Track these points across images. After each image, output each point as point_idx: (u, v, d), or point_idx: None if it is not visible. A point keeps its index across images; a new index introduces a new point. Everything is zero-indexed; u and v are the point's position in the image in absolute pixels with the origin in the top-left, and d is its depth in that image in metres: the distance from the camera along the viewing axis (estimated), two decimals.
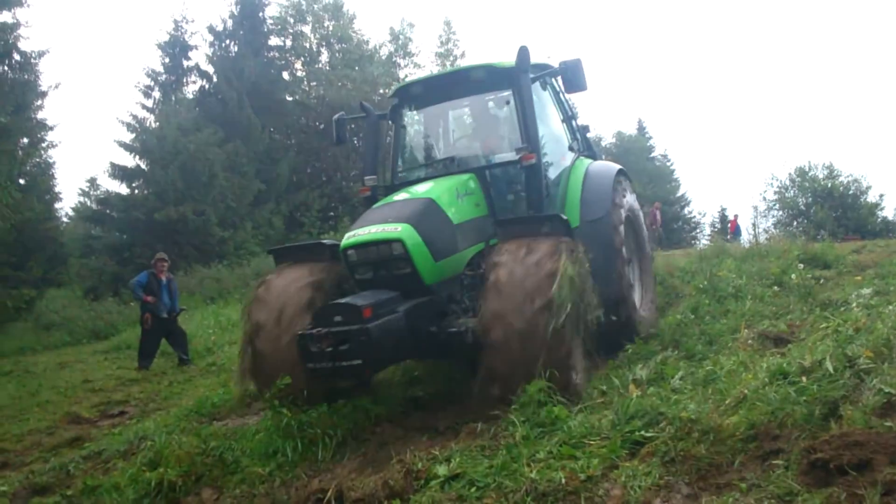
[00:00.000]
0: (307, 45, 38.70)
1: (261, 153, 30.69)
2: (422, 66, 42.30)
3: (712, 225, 48.41)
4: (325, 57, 39.39)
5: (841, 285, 8.67)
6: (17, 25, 18.51)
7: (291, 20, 38.50)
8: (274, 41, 36.53)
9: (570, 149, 7.96)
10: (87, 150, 79.97)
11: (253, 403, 7.39)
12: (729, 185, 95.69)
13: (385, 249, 5.72)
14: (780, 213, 33.94)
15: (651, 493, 3.53)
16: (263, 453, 5.14)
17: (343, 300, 5.42)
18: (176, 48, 31.83)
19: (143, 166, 26.79)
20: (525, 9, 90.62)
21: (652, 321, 7.92)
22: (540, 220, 6.06)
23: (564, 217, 6.09)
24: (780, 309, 7.75)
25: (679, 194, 53.98)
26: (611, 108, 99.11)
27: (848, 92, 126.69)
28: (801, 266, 9.74)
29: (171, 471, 4.85)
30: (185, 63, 32.24)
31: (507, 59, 7.12)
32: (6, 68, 18.52)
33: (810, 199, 32.86)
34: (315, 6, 39.20)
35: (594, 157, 8.46)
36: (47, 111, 37.69)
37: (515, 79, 6.91)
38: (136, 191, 26.80)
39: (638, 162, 50.13)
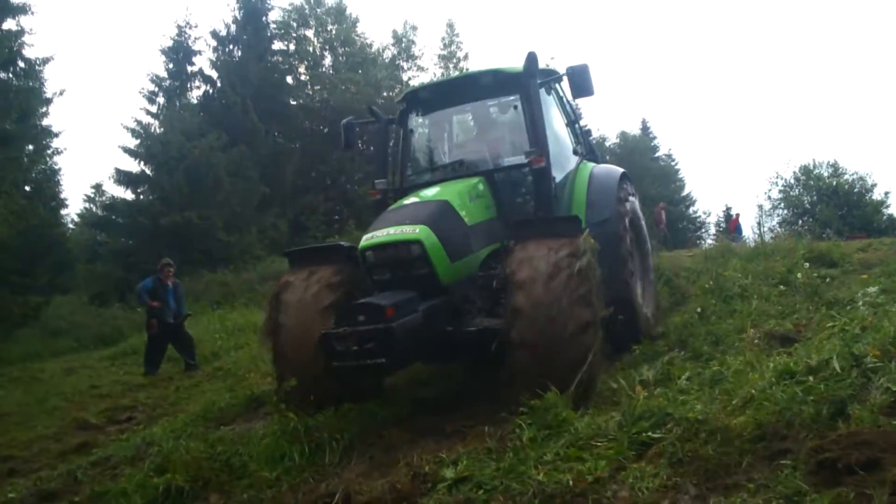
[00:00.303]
0: (311, 49, 38.79)
1: (265, 157, 30.76)
2: (425, 68, 42.42)
3: (717, 224, 48.40)
4: (328, 61, 39.49)
5: (847, 284, 8.63)
6: (21, 32, 18.59)
7: (295, 24, 38.60)
8: (277, 45, 36.68)
9: (575, 152, 8.10)
10: (92, 157, 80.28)
11: (259, 408, 7.41)
12: (734, 184, 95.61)
13: (404, 250, 5.83)
14: (786, 211, 33.91)
15: (659, 495, 3.52)
16: (271, 458, 5.13)
17: (366, 300, 5.53)
18: (180, 53, 31.96)
19: (148, 172, 26.86)
20: (528, 10, 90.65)
21: (654, 321, 8.03)
22: (558, 221, 6.22)
23: (580, 219, 6.17)
24: (786, 308, 7.72)
25: (684, 194, 53.89)
26: (614, 109, 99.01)
27: (852, 90, 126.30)
28: (807, 265, 9.68)
29: (178, 476, 4.86)
30: (189, 68, 32.39)
31: (514, 64, 7.22)
32: (11, 76, 18.57)
33: (815, 197, 32.81)
34: (318, 10, 39.30)
35: (596, 160, 8.57)
36: (52, 118, 37.75)
37: (524, 84, 7.02)
38: (142, 196, 26.91)
39: (642, 162, 50.03)
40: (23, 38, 18.67)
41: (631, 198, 8.12)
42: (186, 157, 25.53)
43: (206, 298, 20.12)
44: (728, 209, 47.22)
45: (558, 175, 7.35)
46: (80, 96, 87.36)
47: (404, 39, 42.05)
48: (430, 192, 6.66)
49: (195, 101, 31.93)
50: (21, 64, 18.96)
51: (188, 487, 4.82)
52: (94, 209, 29.94)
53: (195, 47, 32.52)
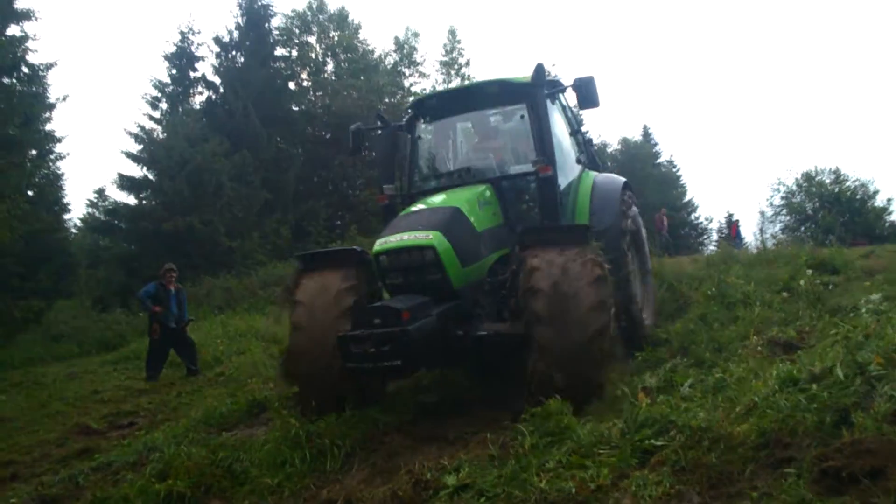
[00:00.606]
0: (313, 55, 38.88)
1: (267, 163, 30.80)
2: (427, 75, 42.51)
3: (719, 231, 48.34)
4: (330, 67, 39.57)
5: (850, 291, 8.60)
6: (25, 38, 18.66)
7: (297, 30, 38.72)
8: (280, 52, 36.73)
9: (578, 161, 8.29)
10: (95, 162, 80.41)
11: (261, 413, 7.40)
12: (736, 190, 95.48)
13: (417, 255, 5.96)
14: (788, 218, 33.84)
15: (662, 503, 3.51)
16: (272, 464, 5.13)
17: (381, 303, 5.73)
18: (183, 59, 32.03)
19: (150, 177, 26.90)
20: (530, 17, 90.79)
21: (654, 326, 8.20)
22: (569, 229, 6.43)
23: (589, 228, 6.39)
24: (789, 315, 7.70)
25: (686, 200, 53.83)
26: (616, 115, 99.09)
27: (854, 96, 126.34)
28: (810, 272, 9.67)
29: (179, 482, 4.86)
30: (192, 74, 32.46)
31: (517, 72, 7.44)
32: (14, 81, 18.63)
33: (817, 204, 32.73)
34: (320, 16, 39.41)
35: (598, 168, 8.81)
36: (56, 123, 37.85)
37: (531, 94, 7.21)
38: (144, 201, 26.92)
39: (644, 168, 50.00)
40: (27, 44, 18.77)
41: (632, 207, 8.27)
42: (189, 163, 25.56)
43: (208, 304, 20.14)
44: (730, 215, 47.17)
45: (562, 183, 7.48)
46: (83, 101, 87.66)
47: (406, 46, 42.16)
48: (441, 199, 6.81)
49: (198, 107, 32.00)
50: (25, 69, 19.03)
51: (189, 493, 4.81)
52: (96, 214, 29.99)
53: (198, 53, 32.64)
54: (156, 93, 31.26)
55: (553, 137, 7.31)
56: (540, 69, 7.18)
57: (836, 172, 33.66)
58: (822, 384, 4.06)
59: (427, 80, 42.51)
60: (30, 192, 19.55)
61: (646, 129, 57.44)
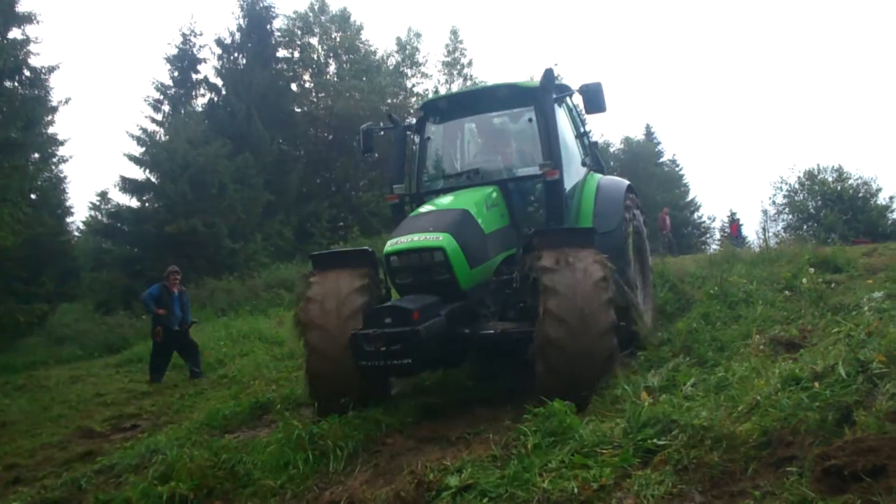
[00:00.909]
0: (315, 57, 38.93)
1: (270, 165, 30.86)
2: (429, 75, 42.53)
3: (722, 230, 48.25)
4: (332, 68, 39.61)
5: (852, 289, 8.58)
6: (27, 41, 18.69)
7: (299, 32, 38.75)
8: (282, 53, 36.87)
9: (583, 164, 8.43)
10: (97, 165, 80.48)
11: (264, 415, 7.41)
12: (738, 189, 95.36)
13: (427, 256, 6.12)
14: (790, 216, 33.76)
15: (664, 502, 3.51)
16: (275, 466, 5.12)
17: (392, 303, 5.87)
18: (185, 61, 32.14)
19: (153, 179, 26.94)
20: (532, 17, 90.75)
21: (654, 326, 8.26)
22: (577, 232, 6.58)
23: (595, 231, 6.59)
24: (791, 314, 7.69)
25: (688, 199, 53.78)
26: (619, 114, 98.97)
27: (857, 94, 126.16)
28: (812, 270, 9.65)
29: (182, 484, 4.86)
30: (194, 76, 32.61)
31: (524, 75, 7.75)
32: (17, 84, 18.66)
33: (820, 202, 32.65)
34: (322, 18, 39.44)
35: (602, 171, 8.93)
36: (58, 126, 37.86)
37: (539, 98, 7.37)
38: (147, 204, 26.96)
39: (647, 167, 50.02)
40: (28, 47, 18.80)
41: (635, 209, 8.40)
42: (191, 165, 25.60)
43: (211, 306, 20.18)
44: (732, 214, 47.11)
45: (567, 185, 7.62)
46: (85, 104, 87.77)
47: (408, 46, 42.17)
48: (450, 201, 6.94)
49: (200, 109, 32.12)
50: (27, 73, 19.06)
51: (192, 496, 4.81)
52: (99, 217, 30.02)
53: (200, 55, 32.80)
54: (158, 95, 31.43)
55: (560, 140, 7.43)
56: (549, 74, 7.36)
57: (839, 170, 33.58)
58: (824, 383, 4.04)
59: (429, 80, 42.58)
60: (32, 196, 19.58)
61: (648, 128, 57.49)
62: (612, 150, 50.05)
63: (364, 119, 34.92)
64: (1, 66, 16.76)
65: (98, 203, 30.17)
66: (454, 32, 43.51)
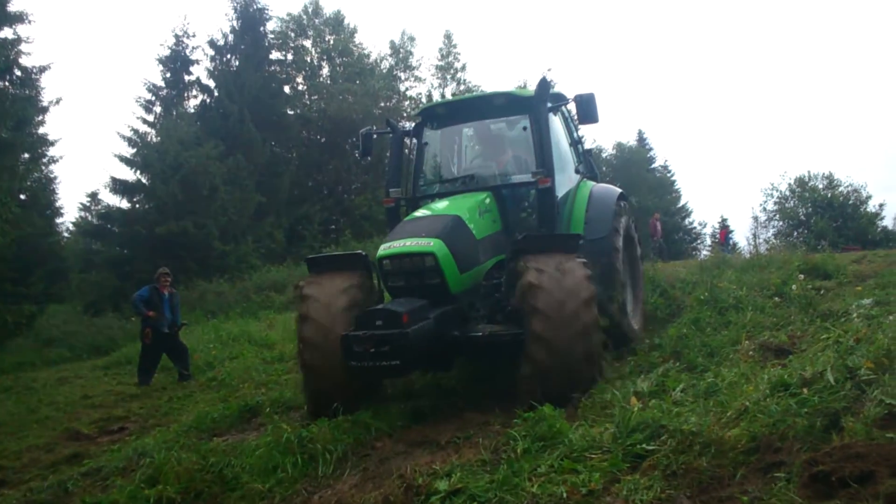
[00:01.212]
0: (308, 59, 38.94)
1: (262, 167, 30.80)
2: (423, 79, 42.61)
3: (713, 235, 48.46)
4: (326, 71, 39.64)
5: (841, 296, 8.64)
6: (18, 41, 18.62)
7: (292, 34, 38.78)
8: (275, 55, 36.80)
9: (577, 171, 8.61)
10: (87, 165, 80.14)
11: (253, 419, 7.37)
12: (729, 195, 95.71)
13: (418, 261, 6.30)
14: (781, 223, 33.99)
15: None
16: (263, 469, 5.10)
17: (383, 306, 6.03)
18: (177, 63, 32.04)
19: (144, 181, 26.83)
20: (525, 21, 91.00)
21: (641, 331, 8.50)
22: (563, 238, 6.76)
23: (581, 237, 6.83)
24: (780, 320, 7.73)
25: (680, 205, 53.96)
26: (611, 119, 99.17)
27: (848, 101, 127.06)
28: (802, 276, 9.71)
29: (170, 488, 4.83)
30: (187, 77, 32.48)
31: (521, 84, 7.90)
32: (7, 84, 18.60)
33: (810, 209, 32.89)
34: (316, 20, 39.47)
35: (596, 178, 9.10)
36: (48, 126, 37.68)
37: (534, 107, 7.54)
38: (137, 205, 26.84)
39: (639, 173, 50.23)
40: (20, 47, 18.74)
41: (626, 217, 8.56)
42: (183, 166, 25.51)
43: (201, 308, 20.09)
44: (723, 220, 47.34)
45: (560, 192, 7.82)
46: (76, 104, 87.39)
47: (402, 50, 42.26)
48: (443, 206, 7.11)
49: (192, 111, 32.01)
50: (17, 72, 19.00)
51: (180, 499, 4.79)
52: (89, 218, 29.91)
53: (192, 56, 32.69)
54: (149, 96, 31.30)
55: (553, 148, 7.63)
56: (543, 84, 7.55)
57: (829, 177, 33.89)
58: (812, 389, 4.06)
59: (423, 84, 42.65)
60: (22, 196, 19.49)
61: (641, 133, 57.67)
62: (604, 155, 50.20)
63: (357, 122, 35.02)
64: None
65: (88, 204, 30.15)
66: (448, 36, 43.70)
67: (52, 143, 21.82)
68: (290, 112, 36.15)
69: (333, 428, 5.64)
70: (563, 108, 8.57)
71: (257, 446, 5.50)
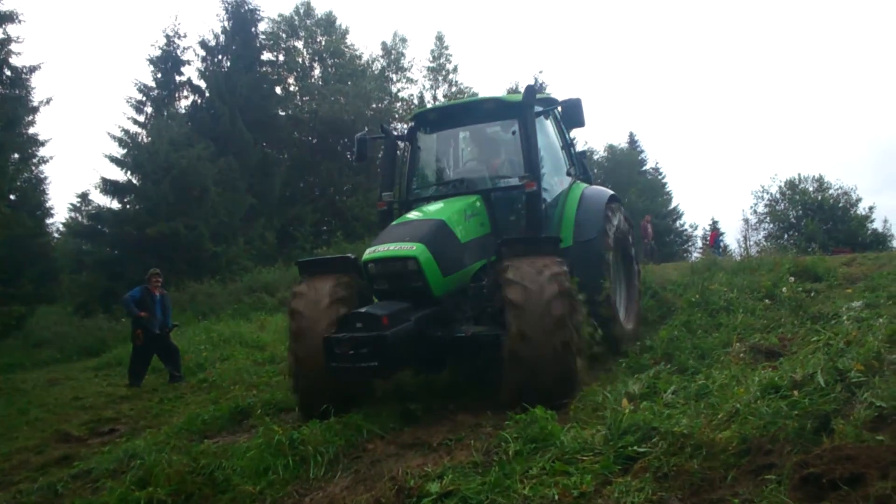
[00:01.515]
0: (300, 60, 38.88)
1: (253, 168, 30.73)
2: (414, 80, 42.60)
3: (704, 238, 48.67)
4: (317, 72, 39.60)
5: (832, 298, 8.69)
6: (8, 41, 18.53)
7: (284, 35, 38.69)
8: (266, 56, 36.72)
9: (568, 173, 8.74)
10: (78, 166, 79.69)
11: (244, 420, 7.35)
12: (720, 198, 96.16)
13: (401, 265, 6.48)
14: (771, 225, 34.16)
15: None
16: (254, 471, 5.08)
17: (363, 309, 6.14)
18: (168, 63, 31.89)
19: (134, 181, 26.69)
20: (517, 23, 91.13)
21: (635, 334, 8.50)
22: (541, 241, 6.83)
23: (560, 239, 7.00)
24: (771, 322, 7.77)
25: (671, 207, 54.09)
26: (602, 122, 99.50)
27: (838, 104, 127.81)
28: (792, 279, 9.75)
29: (160, 490, 4.79)
30: (178, 78, 32.31)
31: (512, 85, 8.03)
32: None
33: (801, 211, 33.08)
34: (308, 21, 39.40)
35: (590, 180, 9.26)
36: (39, 126, 37.47)
37: (521, 113, 7.69)
38: (128, 206, 26.69)
39: (630, 175, 50.28)
40: (10, 47, 18.64)
41: (617, 219, 8.65)
42: (174, 167, 25.40)
43: (192, 309, 20.01)
44: (714, 223, 47.55)
45: (551, 194, 8.08)
46: (66, 104, 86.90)
47: (393, 51, 42.25)
48: (429, 210, 7.28)
49: (183, 111, 31.86)
50: (7, 72, 18.89)
51: (170, 501, 4.74)
52: (79, 218, 29.69)
53: (184, 57, 32.50)
54: (140, 96, 31.11)
55: (544, 151, 7.85)
56: (530, 90, 7.69)
57: (820, 180, 34.07)
58: (803, 391, 4.08)
59: (414, 85, 42.66)
60: (12, 197, 19.36)
61: (632, 135, 57.76)
62: (595, 157, 50.30)
63: (348, 123, 35.00)
64: None
65: (78, 204, 29.88)
66: (440, 38, 43.68)
67: (42, 144, 21.71)
68: (282, 113, 36.11)
69: (325, 430, 5.63)
70: (555, 111, 8.69)
71: (248, 448, 5.48)
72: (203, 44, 33.34)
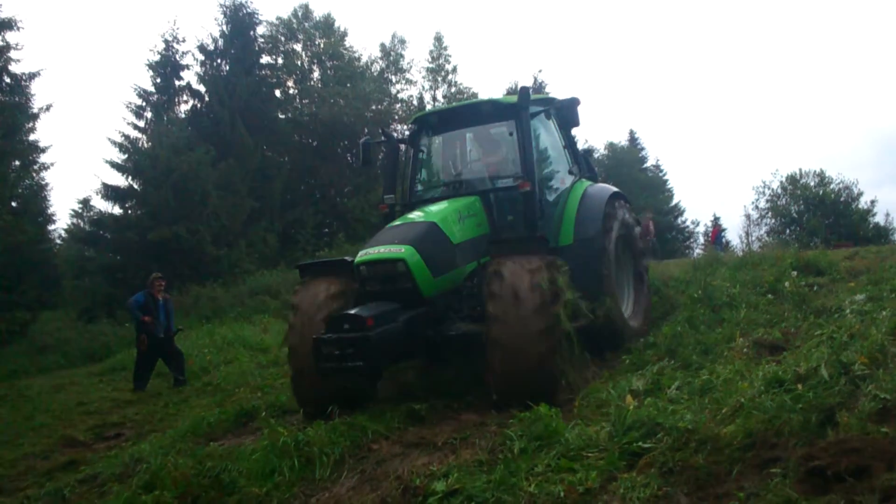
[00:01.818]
0: (299, 63, 38.85)
1: (254, 171, 30.74)
2: (414, 81, 42.61)
3: (706, 234, 48.67)
4: (316, 74, 39.59)
5: (834, 292, 8.68)
6: (7, 48, 18.56)
7: (283, 38, 38.67)
8: (265, 59, 36.66)
9: (570, 172, 8.73)
10: (79, 171, 79.76)
11: (249, 423, 7.36)
12: (722, 194, 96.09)
13: (390, 267, 6.61)
14: (773, 221, 34.12)
15: None
16: (261, 473, 5.08)
17: (351, 311, 6.24)
18: (167, 68, 31.85)
19: (135, 186, 26.72)
20: (516, 22, 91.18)
21: (642, 329, 8.50)
22: (528, 240, 6.91)
23: (547, 238, 7.03)
24: (774, 317, 7.76)
25: (672, 204, 54.11)
26: (603, 119, 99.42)
27: (838, 99, 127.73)
28: (795, 273, 9.74)
29: (167, 493, 4.79)
30: (177, 83, 32.28)
31: (512, 85, 8.08)
32: None
33: (802, 206, 33.05)
34: (306, 24, 39.40)
35: (595, 179, 9.26)
36: (39, 133, 37.50)
37: (517, 115, 7.78)
38: (129, 211, 26.72)
39: (630, 173, 50.34)
40: (9, 54, 18.68)
41: (621, 216, 8.68)
42: (174, 172, 25.42)
43: (196, 313, 20.04)
44: (716, 219, 47.52)
45: (552, 194, 8.17)
46: (66, 111, 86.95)
47: (392, 53, 42.27)
48: (422, 213, 7.38)
49: (183, 116, 31.86)
50: (7, 79, 18.93)
51: None
52: (81, 224, 29.74)
53: (183, 62, 32.45)
54: (140, 101, 31.07)
55: (543, 151, 7.99)
56: (524, 93, 7.76)
57: (821, 175, 34.04)
58: (807, 385, 4.09)
59: (414, 86, 42.66)
60: (13, 203, 19.41)
61: (632, 133, 57.82)
62: (596, 155, 50.28)
63: (348, 125, 35.02)
64: None
65: (80, 210, 29.93)
66: (438, 39, 43.70)
67: (43, 150, 21.77)
68: (282, 116, 36.09)
69: (330, 431, 5.62)
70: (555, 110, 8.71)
71: (254, 450, 5.48)
72: (202, 48, 33.33)
